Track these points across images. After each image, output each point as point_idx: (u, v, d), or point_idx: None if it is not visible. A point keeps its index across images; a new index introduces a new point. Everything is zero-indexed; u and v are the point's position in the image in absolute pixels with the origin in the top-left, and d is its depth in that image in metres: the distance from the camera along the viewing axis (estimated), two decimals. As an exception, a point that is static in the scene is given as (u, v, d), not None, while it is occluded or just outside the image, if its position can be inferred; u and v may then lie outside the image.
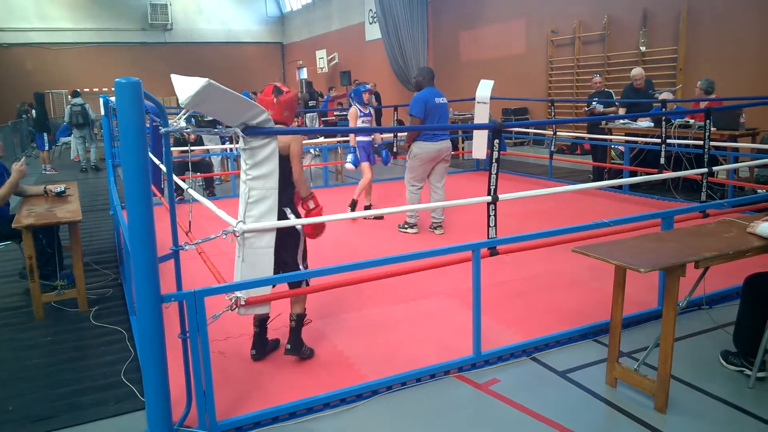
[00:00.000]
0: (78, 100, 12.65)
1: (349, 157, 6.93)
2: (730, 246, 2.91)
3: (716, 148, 7.01)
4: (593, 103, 9.40)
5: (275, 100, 3.31)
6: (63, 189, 5.17)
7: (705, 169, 4.55)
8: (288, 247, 3.33)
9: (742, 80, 9.01)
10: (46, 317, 4.29)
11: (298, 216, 3.36)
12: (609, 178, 8.42)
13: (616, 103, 9.55)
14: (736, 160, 7.12)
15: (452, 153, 6.43)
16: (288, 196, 3.35)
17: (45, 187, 5.23)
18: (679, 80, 9.92)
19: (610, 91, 9.79)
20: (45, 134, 12.94)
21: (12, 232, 4.41)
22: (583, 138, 9.61)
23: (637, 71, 8.66)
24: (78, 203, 4.87)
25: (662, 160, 5.82)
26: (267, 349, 3.52)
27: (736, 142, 7.20)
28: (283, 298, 3.26)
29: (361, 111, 6.95)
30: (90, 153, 13.15)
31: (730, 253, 2.85)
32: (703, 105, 7.24)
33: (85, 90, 21.62)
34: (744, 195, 6.81)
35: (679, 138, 7.30)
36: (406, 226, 6.40)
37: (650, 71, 9.56)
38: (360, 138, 6.90)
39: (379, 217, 6.88)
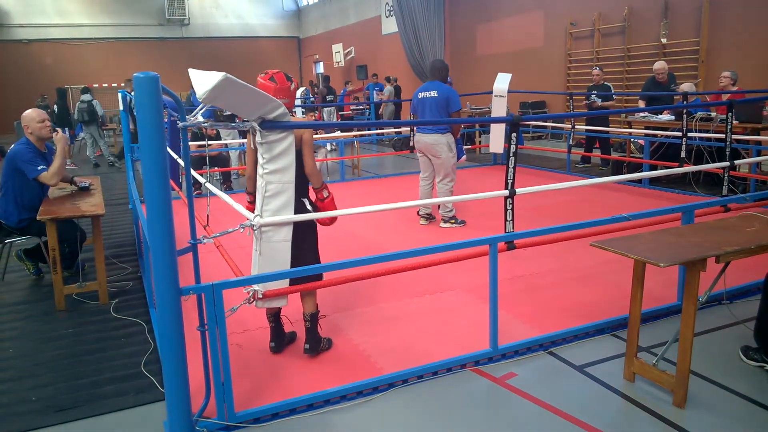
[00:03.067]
0: (86, 97, 12.66)
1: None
2: (752, 240, 2.87)
3: (738, 141, 6.91)
4: (592, 96, 9.35)
5: (292, 86, 3.25)
6: (87, 184, 5.25)
7: (727, 163, 4.49)
8: (306, 239, 3.34)
9: (765, 72, 8.86)
10: (67, 309, 4.36)
11: (314, 206, 3.36)
12: (628, 172, 8.34)
13: (614, 97, 9.51)
14: (758, 154, 7.01)
15: (469, 147, 6.39)
16: (306, 188, 3.35)
17: (73, 177, 5.32)
18: (701, 73, 9.79)
19: (609, 84, 9.73)
20: (66, 129, 13.09)
21: (42, 229, 4.47)
22: (603, 132, 9.52)
23: (659, 65, 8.55)
24: (101, 197, 4.93)
25: (683, 154, 5.75)
26: (285, 341, 3.55)
27: (758, 135, 7.09)
28: (300, 291, 3.27)
29: None
30: (102, 150, 13.27)
31: (752, 247, 2.81)
32: (725, 97, 7.15)
33: (103, 85, 21.95)
34: (766, 189, 6.70)
35: (700, 131, 7.20)
36: (420, 217, 6.53)
37: (671, 64, 9.44)
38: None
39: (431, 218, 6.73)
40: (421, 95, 6.12)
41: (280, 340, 3.51)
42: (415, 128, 6.25)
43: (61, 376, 3.34)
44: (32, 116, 4.79)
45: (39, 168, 4.61)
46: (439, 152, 6.10)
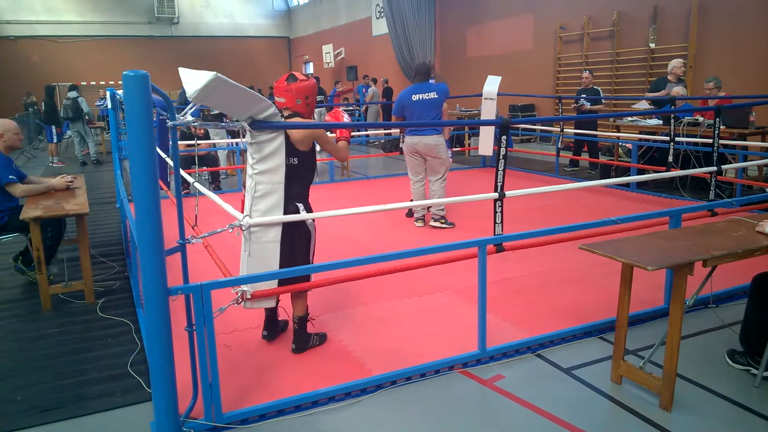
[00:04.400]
0: (72, 94, 12.54)
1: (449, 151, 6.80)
2: (739, 245, 2.90)
3: (725, 146, 6.98)
4: (581, 100, 9.38)
5: (287, 86, 3.25)
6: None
7: (714, 168, 4.53)
8: (298, 244, 3.32)
9: (753, 78, 8.96)
10: (53, 309, 4.32)
11: (310, 211, 3.35)
12: (616, 176, 8.39)
13: (603, 101, 9.56)
14: (745, 159, 7.08)
15: (458, 149, 6.45)
16: (304, 192, 3.34)
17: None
18: (689, 78, 9.86)
19: (598, 88, 9.78)
20: (53, 127, 12.98)
21: (22, 224, 4.43)
22: (591, 135, 9.58)
23: (677, 61, 8.52)
24: (85, 196, 4.88)
25: (670, 158, 5.79)
26: (278, 330, 3.59)
27: (745, 140, 7.16)
28: (288, 292, 3.26)
29: None
30: (89, 147, 13.14)
31: (739, 252, 2.84)
32: (712, 103, 7.21)
33: (91, 83, 21.81)
34: (753, 194, 6.77)
35: (687, 136, 7.26)
36: (416, 219, 6.51)
37: (660, 68, 9.52)
38: None
39: (411, 214, 6.82)
40: (415, 97, 6.10)
41: (273, 329, 3.56)
42: (405, 130, 6.24)
43: (47, 376, 3.30)
44: (11, 126, 4.80)
45: (10, 177, 4.65)
46: (439, 152, 6.17)
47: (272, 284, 3.11)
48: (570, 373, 3.22)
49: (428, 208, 6.52)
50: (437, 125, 6.17)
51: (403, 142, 6.60)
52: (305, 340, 3.46)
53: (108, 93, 6.84)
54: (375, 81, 16.83)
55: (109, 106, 6.78)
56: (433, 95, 6.07)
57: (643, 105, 8.44)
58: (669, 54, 10.18)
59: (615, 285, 3.14)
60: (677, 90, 8.03)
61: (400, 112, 6.26)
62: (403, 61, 16.70)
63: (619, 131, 9.15)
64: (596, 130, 9.33)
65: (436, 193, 6.27)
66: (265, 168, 3.04)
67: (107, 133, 14.08)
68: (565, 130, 9.41)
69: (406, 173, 6.70)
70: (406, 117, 6.22)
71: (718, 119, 4.61)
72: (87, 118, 13.00)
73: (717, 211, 4.27)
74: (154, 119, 2.36)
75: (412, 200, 6.83)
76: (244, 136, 3.06)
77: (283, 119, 3.21)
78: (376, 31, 19.40)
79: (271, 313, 3.54)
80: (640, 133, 8.44)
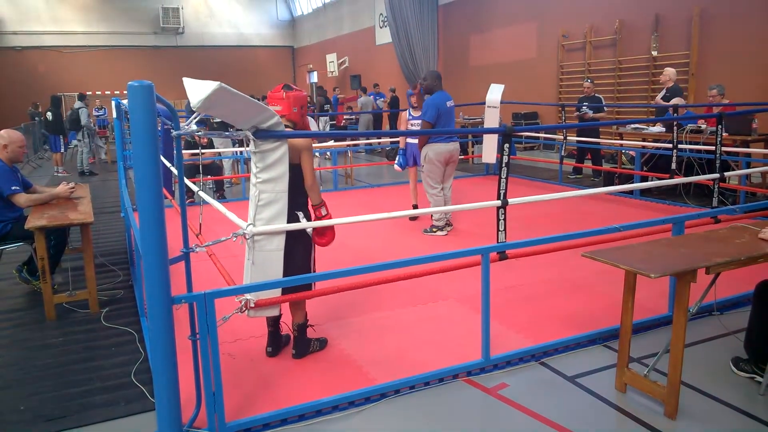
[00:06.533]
0: (77, 104, 12.73)
1: (398, 158, 7.11)
2: (742, 252, 2.89)
3: (728, 153, 6.97)
4: (583, 108, 9.39)
5: (284, 94, 3.31)
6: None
7: (717, 175, 4.52)
8: (299, 252, 3.33)
9: (755, 85, 8.95)
10: (57, 318, 4.32)
11: (309, 219, 3.37)
12: (619, 183, 8.38)
13: (605, 108, 9.58)
14: (748, 166, 7.08)
15: (462, 157, 6.60)
16: (303, 201, 3.36)
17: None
18: (691, 85, 9.87)
19: (600, 96, 9.79)
20: (60, 137, 13.05)
21: (25, 233, 4.46)
22: (594, 143, 9.58)
23: (668, 71, 8.57)
24: (90, 205, 4.90)
25: (673, 165, 5.79)
26: (281, 345, 3.59)
27: (748, 147, 7.15)
28: (292, 300, 3.27)
29: (410, 114, 7.07)
30: (83, 156, 13.13)
31: (742, 259, 2.83)
32: (717, 110, 7.21)
33: (97, 93, 21.91)
34: (756, 201, 6.75)
35: (690, 143, 7.26)
36: (434, 229, 6.42)
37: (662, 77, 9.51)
38: (409, 141, 7.03)
39: (414, 218, 6.94)
40: (448, 104, 6.23)
41: (277, 344, 3.55)
42: (428, 138, 6.25)
43: (51, 386, 3.31)
44: (16, 138, 4.78)
45: (14, 188, 4.65)
46: (458, 159, 6.44)
47: (276, 293, 3.12)
48: (574, 381, 3.21)
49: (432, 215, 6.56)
50: (455, 133, 6.41)
51: (403, 150, 6.79)
52: (305, 346, 3.50)
53: (113, 103, 6.88)
54: (365, 90, 16.84)
55: (114, 116, 6.83)
56: (453, 102, 6.31)
57: (679, 100, 8.31)
58: (671, 62, 10.19)
59: (618, 293, 3.13)
60: (675, 99, 8.05)
61: (437, 118, 6.15)
62: (407, 70, 16.74)
63: (622, 138, 9.14)
64: (598, 138, 9.34)
65: (448, 198, 6.41)
66: (268, 177, 3.06)
67: (112, 143, 14.12)
68: (568, 137, 9.42)
69: (408, 181, 6.74)
70: (437, 124, 6.15)
71: (720, 126, 4.61)
72: (85, 129, 13.04)
73: (720, 218, 4.26)
74: (159, 129, 2.38)
75: (415, 206, 6.89)
76: (248, 145, 3.08)
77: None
78: (380, 40, 19.47)
79: (274, 329, 3.52)
80: (643, 140, 8.43)
